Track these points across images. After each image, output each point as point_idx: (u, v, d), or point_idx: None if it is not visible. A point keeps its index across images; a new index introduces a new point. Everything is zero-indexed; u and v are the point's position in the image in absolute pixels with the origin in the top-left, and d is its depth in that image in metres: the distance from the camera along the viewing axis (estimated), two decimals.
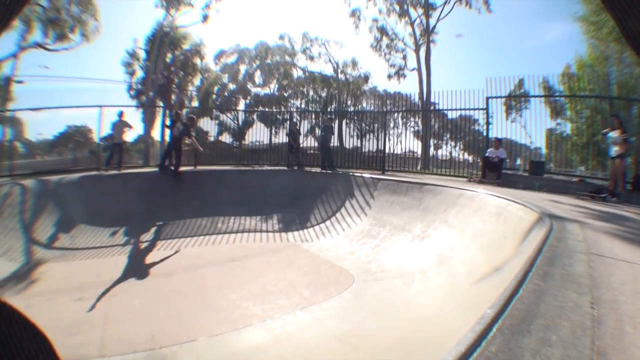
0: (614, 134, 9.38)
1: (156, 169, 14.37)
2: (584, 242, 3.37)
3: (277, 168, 15.88)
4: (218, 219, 12.03)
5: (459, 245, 6.93)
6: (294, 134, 16.26)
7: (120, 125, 14.39)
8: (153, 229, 11.31)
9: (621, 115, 12.47)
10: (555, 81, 28.36)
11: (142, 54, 32.15)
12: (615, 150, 9.19)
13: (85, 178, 12.73)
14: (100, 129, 15.47)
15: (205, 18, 30.50)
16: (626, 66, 23.78)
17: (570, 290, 2.03)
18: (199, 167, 15.39)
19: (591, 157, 22.26)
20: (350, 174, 13.03)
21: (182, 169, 14.58)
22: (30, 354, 0.55)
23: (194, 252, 9.59)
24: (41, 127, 15.69)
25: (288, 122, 18.95)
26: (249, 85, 39.54)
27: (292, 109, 31.80)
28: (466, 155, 27.62)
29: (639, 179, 9.59)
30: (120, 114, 14.41)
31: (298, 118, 21.76)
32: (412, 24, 31.29)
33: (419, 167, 21.79)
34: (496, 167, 11.81)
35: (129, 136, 14.97)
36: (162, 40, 29.07)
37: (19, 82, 25.60)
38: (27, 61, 36.65)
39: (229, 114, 29.87)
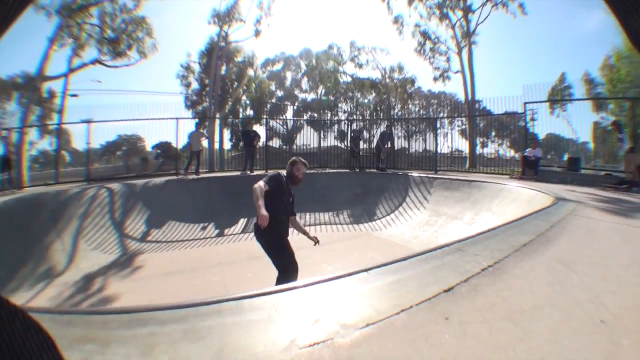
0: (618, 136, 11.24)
1: (237, 173, 16.03)
2: (572, 210, 5.45)
3: (341, 170, 17.32)
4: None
5: None
6: (355, 140, 17.80)
7: (197, 135, 15.97)
8: (240, 224, 12.69)
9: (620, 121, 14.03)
10: (597, 74, 28.77)
11: (196, 67, 34.05)
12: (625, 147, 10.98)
13: (170, 182, 14.24)
14: (177, 139, 16.89)
15: (257, 33, 31.49)
16: None
17: (542, 222, 4.24)
18: (269, 171, 16.96)
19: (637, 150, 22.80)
20: (409, 174, 14.53)
21: (255, 172, 16.19)
22: (34, 353, 0.58)
23: None
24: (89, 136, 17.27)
25: (349, 130, 20.21)
26: (297, 91, 41.58)
27: (348, 117, 33.10)
28: (512, 152, 28.19)
29: None
30: (197, 125, 16.20)
31: (346, 123, 23.25)
32: (452, 27, 31.91)
33: (466, 166, 22.96)
34: (534, 164, 13.46)
35: (201, 144, 16.61)
36: (217, 54, 30.22)
37: (73, 95, 26.98)
38: (82, 76, 38.97)
39: (279, 120, 31.50)
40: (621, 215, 5.46)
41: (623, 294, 2.23)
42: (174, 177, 15.22)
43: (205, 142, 18.25)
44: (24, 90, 24.89)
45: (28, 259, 8.67)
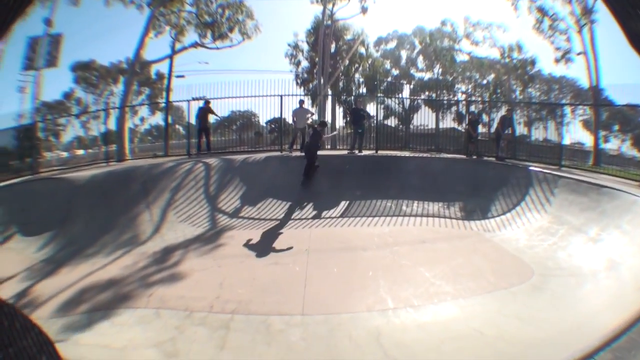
0: None
1: (345, 152, 16.04)
2: None
3: (456, 156, 16.43)
4: (402, 202, 12.56)
5: (628, 252, 7.29)
6: (473, 123, 16.62)
7: (301, 112, 16.02)
8: (340, 207, 12.22)
9: None
10: None
11: (304, 46, 35.04)
12: None
13: (271, 158, 14.50)
14: (281, 115, 17.33)
15: (363, 10, 31.06)
16: None
17: None
18: (380, 152, 16.55)
19: None
20: (530, 168, 13.01)
21: (364, 152, 15.97)
22: (33, 355, 0.59)
23: (383, 231, 10.40)
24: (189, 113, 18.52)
25: (467, 112, 19.32)
26: (412, 70, 40.38)
27: (467, 98, 31.85)
28: (635, 152, 25.57)
29: None
30: (301, 102, 16.25)
31: (465, 104, 22.25)
32: (569, 1, 28.44)
33: (589, 162, 21.15)
34: None
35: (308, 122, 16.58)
36: (324, 33, 30.23)
37: (180, 76, 29.33)
38: (187, 58, 43.43)
39: (394, 99, 31.09)
40: None
41: None
42: (276, 154, 15.64)
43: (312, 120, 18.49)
44: (128, 74, 27.51)
45: (111, 228, 9.33)
